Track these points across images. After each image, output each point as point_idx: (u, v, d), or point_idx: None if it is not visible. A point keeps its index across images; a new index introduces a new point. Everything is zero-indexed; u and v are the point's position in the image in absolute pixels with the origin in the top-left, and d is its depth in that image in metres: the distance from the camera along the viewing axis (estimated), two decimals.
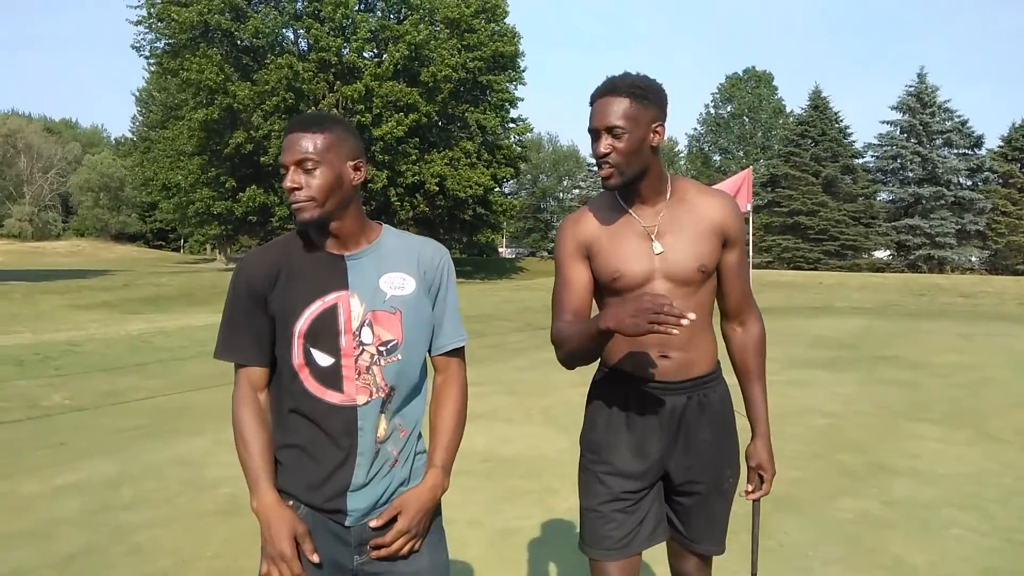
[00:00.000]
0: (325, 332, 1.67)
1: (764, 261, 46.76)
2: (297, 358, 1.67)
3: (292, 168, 1.65)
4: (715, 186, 7.57)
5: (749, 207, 6.84)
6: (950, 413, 6.92)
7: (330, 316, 1.68)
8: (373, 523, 1.69)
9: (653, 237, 1.93)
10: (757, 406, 2.09)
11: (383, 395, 1.70)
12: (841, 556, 3.70)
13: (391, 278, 1.74)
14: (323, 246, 1.73)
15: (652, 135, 1.88)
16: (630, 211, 1.96)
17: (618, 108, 1.86)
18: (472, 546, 3.80)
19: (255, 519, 1.67)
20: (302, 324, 1.67)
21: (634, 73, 1.92)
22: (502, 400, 7.36)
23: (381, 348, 1.70)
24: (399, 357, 1.72)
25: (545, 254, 59.52)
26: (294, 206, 1.66)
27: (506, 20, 34.47)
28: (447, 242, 50.61)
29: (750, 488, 2.09)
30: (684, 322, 1.61)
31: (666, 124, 1.92)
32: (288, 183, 1.65)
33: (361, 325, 1.69)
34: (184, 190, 33.08)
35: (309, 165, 1.64)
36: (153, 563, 3.65)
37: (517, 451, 5.64)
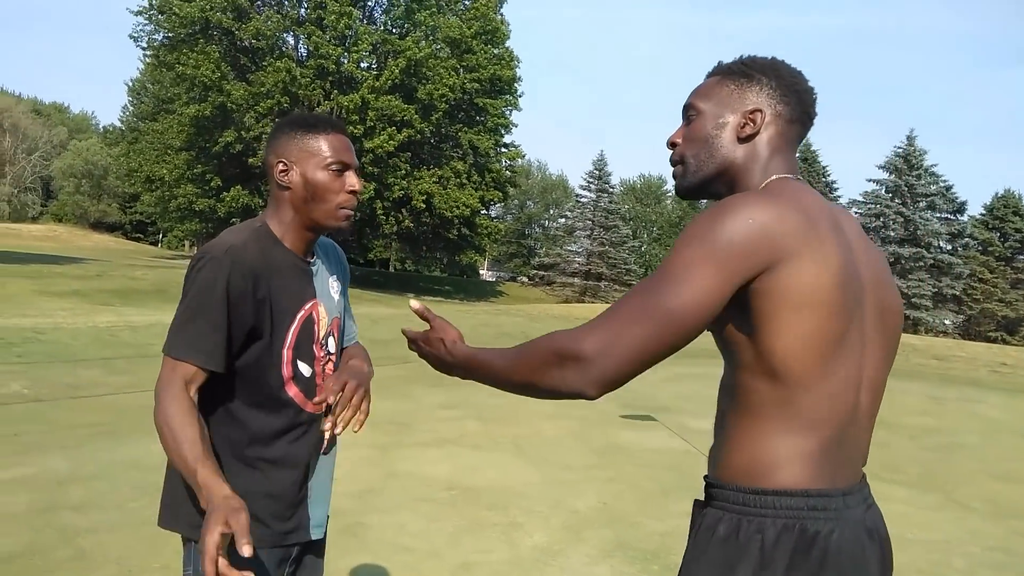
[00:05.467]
0: (304, 343, 1.59)
1: None
2: (286, 369, 1.57)
3: (354, 171, 1.59)
4: None
5: None
6: (920, 476, 6.90)
7: (309, 326, 1.60)
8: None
9: None
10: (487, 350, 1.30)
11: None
12: None
13: (332, 283, 1.69)
14: (293, 249, 1.60)
15: (743, 122, 1.30)
16: None
17: (703, 86, 1.36)
18: None
19: None
20: (291, 337, 1.57)
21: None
22: (471, 426, 7.24)
23: (333, 354, 1.67)
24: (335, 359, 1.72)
25: (525, 280, 59.43)
26: (347, 211, 1.59)
27: (506, 43, 34.75)
28: (429, 260, 50.42)
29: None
30: None
31: (784, 114, 1.30)
32: (358, 186, 1.58)
33: (327, 334, 1.64)
34: (168, 184, 32.96)
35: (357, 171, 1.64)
36: (98, 570, 3.49)
37: (483, 481, 5.52)
